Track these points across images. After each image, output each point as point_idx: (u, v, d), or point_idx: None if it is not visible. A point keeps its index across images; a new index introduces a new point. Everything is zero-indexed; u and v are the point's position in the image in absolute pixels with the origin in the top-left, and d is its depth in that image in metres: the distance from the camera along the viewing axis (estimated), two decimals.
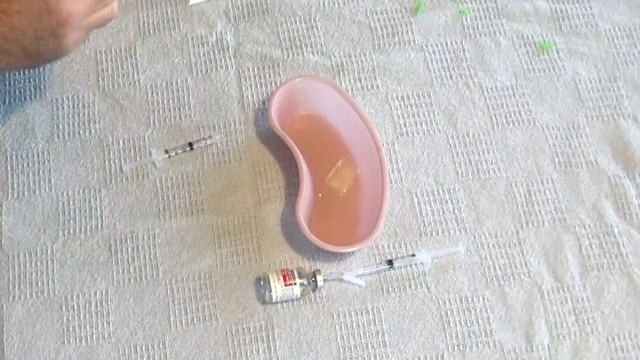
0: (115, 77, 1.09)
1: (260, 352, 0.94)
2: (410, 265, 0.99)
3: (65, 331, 0.95)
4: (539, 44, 1.13)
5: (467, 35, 1.13)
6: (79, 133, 1.06)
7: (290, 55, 1.11)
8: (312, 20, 1.13)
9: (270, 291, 0.95)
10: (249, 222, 1.01)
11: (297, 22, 1.13)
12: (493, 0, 1.16)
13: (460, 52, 1.12)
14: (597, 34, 1.14)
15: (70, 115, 1.07)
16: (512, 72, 1.11)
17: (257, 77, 1.10)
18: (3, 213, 1.01)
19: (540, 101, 1.09)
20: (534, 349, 0.95)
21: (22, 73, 1.08)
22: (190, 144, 1.05)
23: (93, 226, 1.00)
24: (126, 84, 1.09)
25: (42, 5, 0.85)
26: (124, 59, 1.10)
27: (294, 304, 0.97)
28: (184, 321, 0.96)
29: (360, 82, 1.10)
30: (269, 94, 1.07)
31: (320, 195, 1.02)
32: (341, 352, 0.95)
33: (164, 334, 0.95)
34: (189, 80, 1.09)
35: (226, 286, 0.97)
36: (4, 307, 0.96)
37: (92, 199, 1.02)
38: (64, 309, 0.96)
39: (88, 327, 0.95)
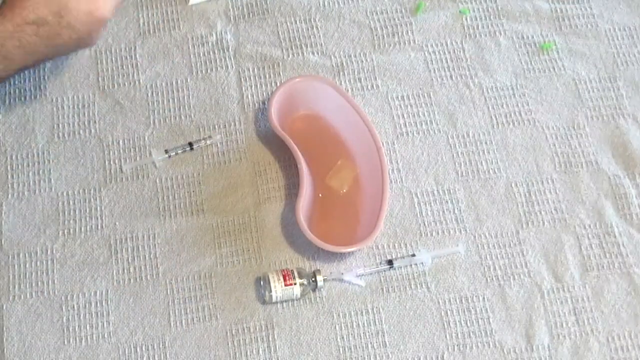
0: (115, 77, 1.09)
1: (260, 352, 0.94)
2: (410, 265, 0.99)
3: (65, 331, 0.95)
4: (539, 44, 1.13)
5: (467, 35, 1.13)
6: (79, 133, 1.06)
7: (290, 55, 1.11)
8: (312, 20, 1.13)
9: (270, 291, 0.95)
10: (249, 222, 1.01)
11: (297, 22, 1.13)
12: (493, 0, 1.16)
13: (460, 52, 1.12)
14: (597, 34, 1.14)
15: (70, 115, 1.07)
16: (512, 72, 1.11)
17: (257, 77, 1.10)
18: (3, 213, 1.01)
19: (540, 101, 1.09)
20: (534, 349, 0.95)
21: (22, 73, 1.08)
22: (190, 144, 1.05)
23: (93, 226, 1.00)
24: (126, 84, 1.09)
25: None
26: (124, 59, 1.10)
27: (294, 304, 0.97)
28: (184, 321, 0.96)
29: (360, 82, 1.10)
30: (269, 94, 1.07)
31: (320, 195, 1.02)
32: (341, 352, 0.95)
33: (164, 334, 0.95)
34: (189, 80, 1.09)
35: (226, 286, 0.97)
36: (4, 307, 0.96)
37: (92, 199, 1.02)
38: (64, 309, 0.96)
39: (88, 327, 0.95)
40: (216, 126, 1.06)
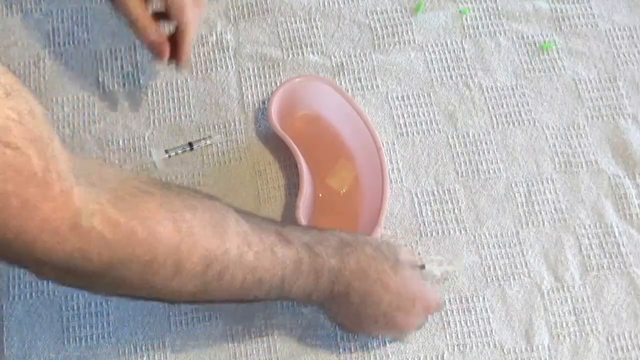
0: (115, 77, 1.09)
1: (260, 352, 0.94)
2: None
3: (65, 331, 0.95)
4: (539, 44, 1.13)
5: (467, 35, 1.13)
6: (79, 133, 1.06)
7: (290, 55, 1.11)
8: (312, 20, 1.13)
9: None
10: None
11: (297, 22, 1.13)
12: (493, 0, 1.16)
13: (460, 52, 1.12)
14: (597, 34, 1.14)
15: (70, 115, 1.07)
16: (512, 72, 1.11)
17: (257, 77, 1.10)
18: None
19: (540, 101, 1.09)
20: (534, 349, 0.95)
21: (22, 73, 1.08)
22: (190, 144, 1.05)
23: None
24: (126, 84, 1.09)
25: None
26: (124, 59, 1.10)
27: (294, 304, 0.96)
28: (184, 321, 0.96)
29: (360, 82, 1.10)
30: (269, 94, 1.07)
31: (320, 195, 1.02)
32: (341, 352, 0.95)
33: (164, 334, 0.95)
34: (189, 80, 1.09)
35: None
36: (4, 307, 0.96)
37: None
38: (64, 309, 0.96)
39: (88, 327, 0.95)
40: (216, 126, 1.06)
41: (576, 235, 1.01)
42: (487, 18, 1.14)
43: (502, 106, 1.09)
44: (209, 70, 1.10)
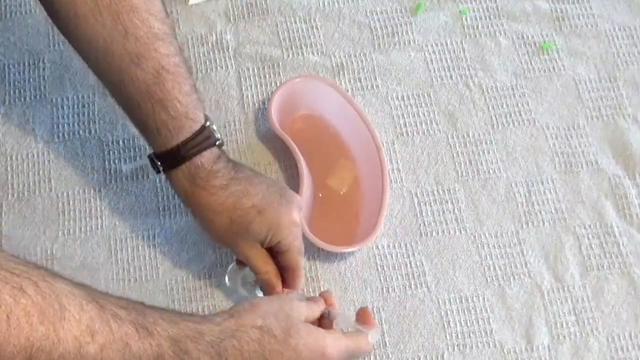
0: None
1: None
2: (411, 265, 0.99)
3: None
4: (539, 44, 1.13)
5: (467, 35, 1.13)
6: (79, 133, 1.06)
7: (290, 55, 1.11)
8: (312, 20, 1.13)
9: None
10: None
11: (297, 22, 1.13)
12: (493, 0, 1.16)
13: (460, 52, 1.12)
14: (597, 34, 1.14)
15: (70, 115, 1.07)
16: (512, 72, 1.11)
17: (257, 77, 1.10)
18: (3, 213, 1.01)
19: (540, 101, 1.09)
20: (534, 349, 0.95)
21: (22, 73, 1.08)
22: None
23: (93, 226, 1.00)
24: None
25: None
26: None
27: None
28: None
29: (360, 82, 1.10)
30: (269, 94, 1.07)
31: (320, 195, 1.02)
32: None
33: None
34: None
35: (226, 286, 0.97)
36: None
37: (92, 199, 1.02)
38: None
39: None
40: (216, 126, 1.06)
41: (576, 235, 1.01)
42: (487, 18, 1.14)
43: (502, 106, 1.09)
44: (209, 70, 1.10)
